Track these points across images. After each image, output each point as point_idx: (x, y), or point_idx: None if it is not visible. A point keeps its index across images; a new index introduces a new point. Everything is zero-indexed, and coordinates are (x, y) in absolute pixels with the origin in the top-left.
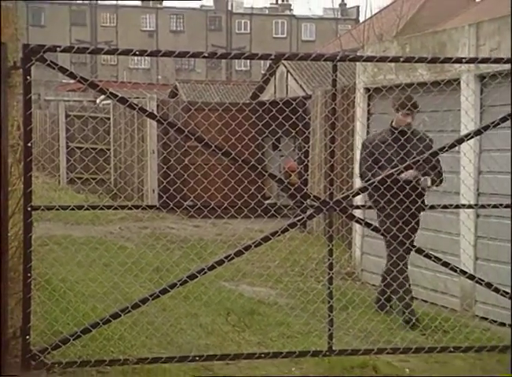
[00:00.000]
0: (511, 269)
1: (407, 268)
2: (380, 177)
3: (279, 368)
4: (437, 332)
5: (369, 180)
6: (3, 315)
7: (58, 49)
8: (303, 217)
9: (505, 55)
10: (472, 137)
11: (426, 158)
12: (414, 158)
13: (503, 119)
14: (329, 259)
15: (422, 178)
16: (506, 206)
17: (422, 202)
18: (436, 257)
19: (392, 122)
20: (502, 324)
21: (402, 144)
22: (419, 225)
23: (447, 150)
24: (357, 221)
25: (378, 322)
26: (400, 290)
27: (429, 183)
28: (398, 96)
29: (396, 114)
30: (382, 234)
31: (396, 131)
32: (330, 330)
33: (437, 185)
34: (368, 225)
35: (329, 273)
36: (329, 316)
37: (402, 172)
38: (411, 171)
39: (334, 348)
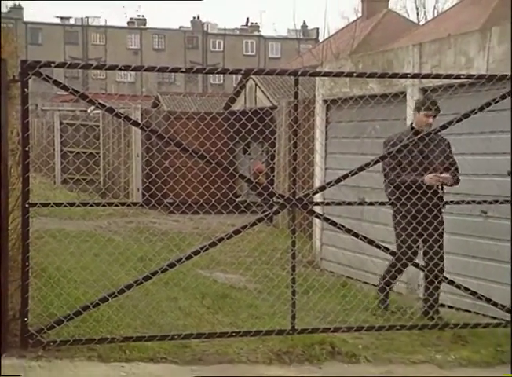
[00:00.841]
0: None
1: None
2: (408, 180)
3: (248, 345)
4: (385, 313)
5: (394, 181)
6: (4, 299)
7: (52, 64)
8: (269, 213)
9: (444, 71)
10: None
11: (449, 158)
12: (436, 158)
13: (443, 127)
14: (292, 249)
15: (449, 176)
16: (446, 203)
17: (440, 204)
18: (385, 247)
19: (412, 123)
20: (442, 305)
21: (425, 144)
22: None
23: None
24: (317, 216)
25: (334, 304)
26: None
27: (454, 179)
28: (422, 98)
29: (418, 115)
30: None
31: (415, 132)
32: (293, 311)
33: (451, 185)
34: (326, 219)
35: (292, 262)
36: (292, 299)
37: (430, 172)
38: (435, 178)
39: (296, 327)
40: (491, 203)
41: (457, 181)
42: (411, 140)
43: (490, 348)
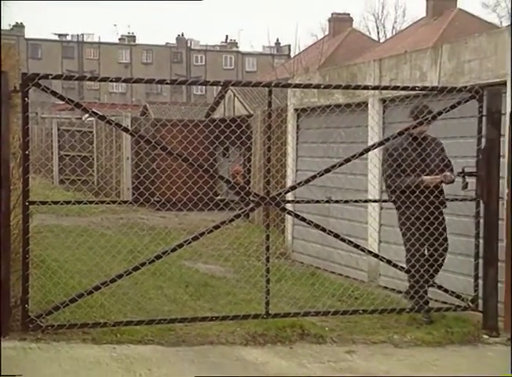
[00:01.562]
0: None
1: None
2: (411, 183)
3: (226, 329)
4: (349, 299)
5: (396, 185)
6: (6, 288)
7: (50, 76)
8: (246, 210)
9: (401, 83)
10: (376, 147)
11: (443, 160)
12: (433, 161)
13: (400, 133)
14: (266, 243)
15: (448, 174)
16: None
17: (442, 203)
18: (349, 240)
19: (408, 129)
20: (399, 292)
21: (422, 148)
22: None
23: (357, 157)
24: (288, 213)
25: (304, 291)
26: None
27: (453, 177)
28: (416, 105)
29: (414, 121)
30: (403, 234)
31: (417, 138)
32: (267, 298)
33: (448, 183)
34: (297, 215)
35: (266, 254)
36: (266, 287)
37: (427, 174)
38: (438, 178)
39: (270, 312)
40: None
41: (452, 181)
42: (410, 144)
43: (441, 330)
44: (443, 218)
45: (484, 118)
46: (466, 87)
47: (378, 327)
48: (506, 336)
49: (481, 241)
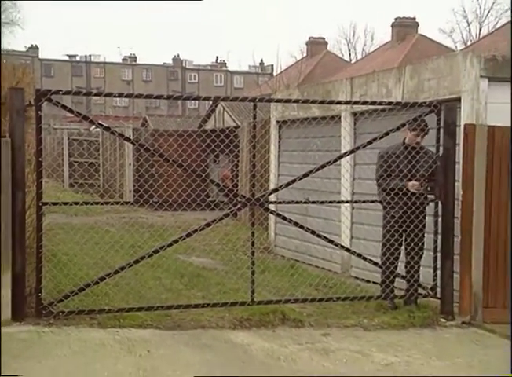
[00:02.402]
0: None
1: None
2: (394, 186)
3: (217, 314)
4: (325, 288)
5: (383, 187)
6: (22, 279)
7: (60, 92)
8: (233, 210)
9: (370, 99)
10: (348, 155)
11: (430, 167)
12: (423, 170)
13: (369, 143)
14: (252, 239)
15: (413, 183)
16: (372, 202)
17: (423, 207)
18: (324, 236)
19: (404, 139)
20: (368, 282)
21: (412, 157)
22: (423, 225)
23: (331, 163)
24: (271, 212)
25: (285, 281)
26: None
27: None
28: (415, 119)
29: (409, 133)
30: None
31: (408, 147)
32: (252, 287)
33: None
34: (278, 214)
35: (251, 248)
36: (251, 277)
37: (410, 180)
38: (417, 184)
39: (255, 300)
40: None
41: (419, 190)
42: (402, 152)
43: (405, 314)
44: (423, 217)
45: (441, 130)
46: (425, 102)
47: (349, 312)
48: (460, 320)
49: (439, 237)
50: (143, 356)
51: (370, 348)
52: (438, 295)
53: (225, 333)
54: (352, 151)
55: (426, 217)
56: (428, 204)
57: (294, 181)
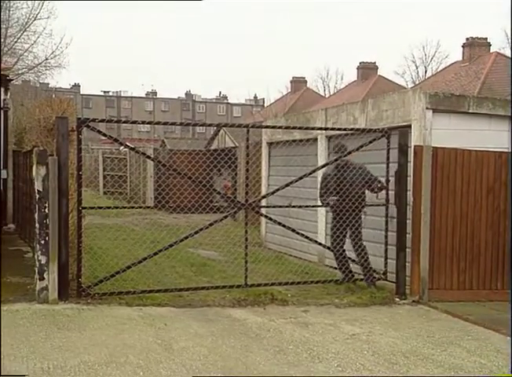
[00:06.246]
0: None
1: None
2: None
3: (219, 296)
4: (303, 274)
5: (322, 202)
6: (66, 267)
7: (96, 120)
8: (231, 212)
9: (340, 126)
10: (320, 169)
11: (369, 179)
12: (355, 183)
13: (336, 160)
14: (245, 235)
15: (331, 199)
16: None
17: (357, 212)
18: (301, 233)
19: (336, 160)
20: (335, 268)
21: (341, 174)
22: (359, 224)
23: (308, 175)
24: (260, 214)
25: (272, 269)
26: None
27: (331, 203)
28: (336, 144)
29: (334, 156)
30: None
31: (337, 167)
32: (245, 273)
33: (376, 191)
34: (266, 216)
35: (245, 243)
36: (245, 266)
37: (338, 193)
38: (334, 199)
39: (248, 283)
40: (362, 205)
41: (381, 189)
42: (333, 171)
43: (368, 295)
44: (358, 219)
45: (390, 151)
46: (379, 129)
47: (324, 294)
48: (411, 299)
49: (394, 234)
50: (161, 329)
51: (340, 321)
52: (389, 279)
53: (226, 310)
54: (324, 166)
55: (363, 218)
56: (363, 209)
57: (278, 189)
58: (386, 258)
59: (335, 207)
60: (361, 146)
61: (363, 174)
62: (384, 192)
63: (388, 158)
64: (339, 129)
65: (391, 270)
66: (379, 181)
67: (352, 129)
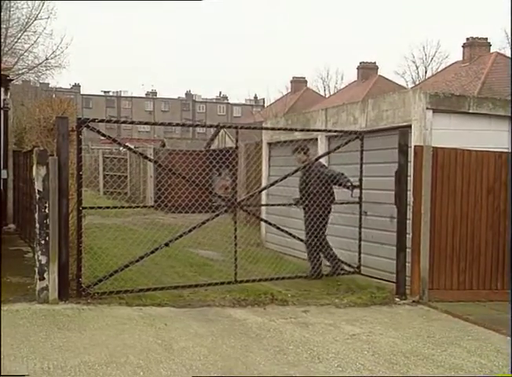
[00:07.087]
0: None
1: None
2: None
3: (220, 296)
4: (298, 272)
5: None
6: (66, 267)
7: (96, 120)
8: (221, 211)
9: (340, 126)
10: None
11: (331, 174)
12: (315, 182)
13: (317, 159)
14: (234, 233)
15: (294, 198)
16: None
17: (325, 209)
18: (287, 231)
19: (304, 160)
20: (327, 265)
21: (305, 174)
22: (325, 219)
23: (292, 175)
24: (248, 213)
25: (269, 269)
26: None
27: (294, 202)
28: (295, 147)
29: (298, 155)
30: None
31: (305, 167)
32: (235, 270)
33: (348, 187)
34: (257, 217)
35: (235, 241)
36: (235, 263)
37: (307, 191)
38: (296, 197)
39: (237, 279)
40: (342, 203)
41: (354, 186)
42: (302, 173)
43: (368, 295)
44: (324, 217)
45: (390, 151)
46: (354, 131)
47: (324, 294)
48: (411, 299)
49: (393, 234)
50: (161, 329)
51: (340, 321)
52: (362, 272)
53: (226, 310)
54: (296, 171)
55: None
56: (332, 205)
57: (264, 188)
58: (360, 253)
59: (304, 206)
60: (338, 147)
61: (325, 172)
62: (358, 190)
63: (361, 158)
64: (337, 130)
65: (383, 268)
66: (345, 177)
67: (341, 131)
